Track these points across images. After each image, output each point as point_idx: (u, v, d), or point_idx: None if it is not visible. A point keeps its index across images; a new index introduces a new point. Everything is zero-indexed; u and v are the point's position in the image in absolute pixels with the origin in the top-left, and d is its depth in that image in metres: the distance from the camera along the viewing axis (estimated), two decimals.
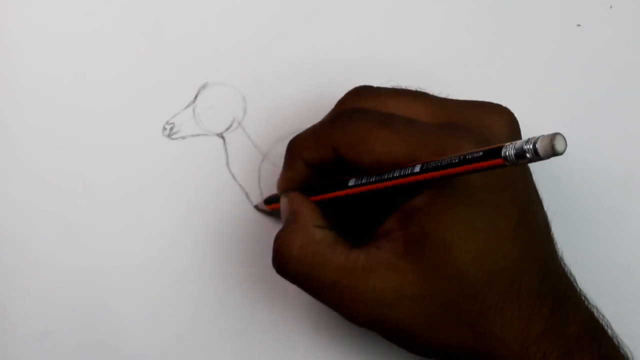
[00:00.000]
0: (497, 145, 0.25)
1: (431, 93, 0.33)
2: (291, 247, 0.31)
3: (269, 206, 0.37)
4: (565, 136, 0.23)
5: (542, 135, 0.24)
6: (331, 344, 0.39)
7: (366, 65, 0.39)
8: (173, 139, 0.38)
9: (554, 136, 0.23)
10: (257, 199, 0.38)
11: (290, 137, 0.33)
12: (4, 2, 0.38)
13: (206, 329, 0.39)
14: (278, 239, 0.32)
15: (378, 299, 0.30)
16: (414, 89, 0.33)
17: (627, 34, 0.39)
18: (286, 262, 0.31)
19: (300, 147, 0.32)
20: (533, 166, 0.39)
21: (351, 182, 0.31)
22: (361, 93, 0.33)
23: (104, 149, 0.38)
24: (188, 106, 0.38)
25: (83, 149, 0.38)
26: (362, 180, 0.31)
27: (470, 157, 0.26)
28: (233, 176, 0.38)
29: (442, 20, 0.39)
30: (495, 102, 0.32)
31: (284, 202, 0.34)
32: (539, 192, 0.33)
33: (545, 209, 0.33)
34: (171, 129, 0.38)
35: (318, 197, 0.33)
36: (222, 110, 0.38)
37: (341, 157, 0.31)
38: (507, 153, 0.25)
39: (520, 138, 0.31)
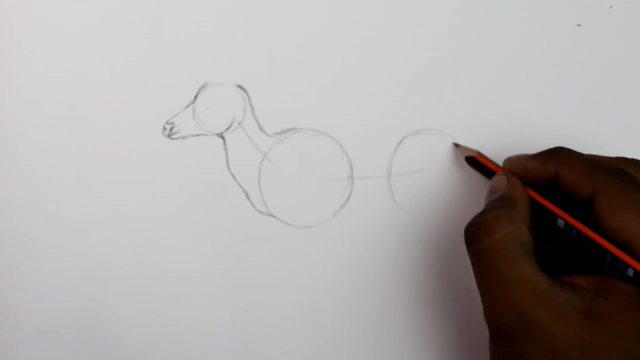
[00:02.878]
0: None
1: None
2: (497, 229, 0.31)
3: (479, 157, 0.36)
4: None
5: None
6: (332, 345, 0.39)
7: (366, 65, 0.39)
8: (173, 139, 0.38)
9: None
10: (257, 199, 0.38)
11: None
12: (4, 2, 0.38)
13: (206, 328, 0.39)
14: (486, 214, 0.32)
15: (531, 325, 0.30)
16: None
17: (627, 34, 0.39)
18: (482, 238, 0.31)
19: (566, 160, 0.32)
20: None
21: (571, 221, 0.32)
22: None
23: (104, 149, 0.38)
24: (188, 106, 0.38)
25: (83, 148, 0.38)
26: (591, 234, 0.31)
27: None
28: (233, 176, 0.38)
29: (442, 20, 0.39)
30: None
31: (501, 180, 0.33)
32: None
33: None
34: (171, 129, 0.38)
35: (540, 199, 0.33)
36: (222, 110, 0.38)
37: (593, 205, 0.31)
38: None
39: None
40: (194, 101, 0.38)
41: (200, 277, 0.39)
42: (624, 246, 0.30)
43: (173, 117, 0.38)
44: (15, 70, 0.38)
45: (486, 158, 0.37)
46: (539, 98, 0.39)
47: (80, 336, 0.38)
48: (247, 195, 0.38)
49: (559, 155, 0.33)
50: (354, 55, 0.38)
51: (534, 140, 0.39)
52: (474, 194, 0.39)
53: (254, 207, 0.39)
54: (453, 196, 0.39)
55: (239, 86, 0.38)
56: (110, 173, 0.38)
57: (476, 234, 0.31)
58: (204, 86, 0.38)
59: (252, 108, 0.38)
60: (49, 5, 0.37)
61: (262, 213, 0.39)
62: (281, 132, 0.38)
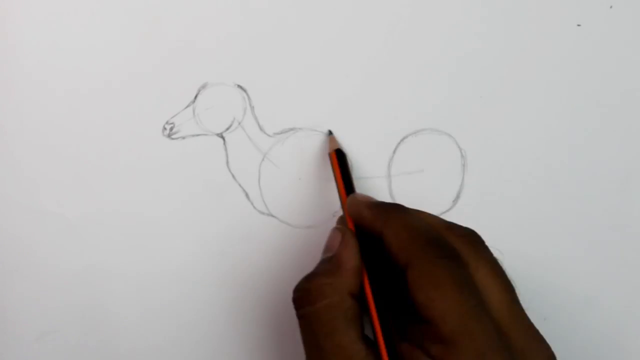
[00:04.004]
0: None
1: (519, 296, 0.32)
2: (319, 299, 0.31)
3: (333, 155, 0.36)
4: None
5: None
6: None
7: (366, 65, 0.39)
8: (173, 139, 0.38)
9: None
10: (257, 199, 0.38)
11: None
12: (4, 2, 0.38)
13: (206, 329, 0.39)
14: (311, 281, 0.32)
15: None
16: (508, 278, 0.32)
17: (627, 34, 0.39)
18: (304, 306, 0.32)
19: (393, 224, 0.32)
20: (534, 167, 0.39)
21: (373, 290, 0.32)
22: (471, 241, 0.32)
23: (104, 149, 0.38)
24: (188, 106, 0.38)
25: (83, 148, 0.38)
26: (379, 309, 0.31)
27: None
28: (233, 176, 0.38)
29: (442, 20, 0.39)
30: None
31: (336, 236, 0.33)
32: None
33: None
34: (171, 129, 0.38)
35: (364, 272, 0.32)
36: (222, 110, 0.38)
37: (405, 274, 0.30)
38: None
39: None
40: (194, 101, 0.38)
41: (200, 277, 0.38)
42: (426, 324, 0.29)
43: (173, 117, 0.38)
44: (15, 70, 0.38)
45: (345, 163, 0.36)
46: (539, 98, 0.39)
47: (80, 337, 0.38)
48: (247, 195, 0.38)
49: (389, 215, 0.32)
50: (354, 55, 0.38)
51: (534, 140, 0.39)
52: (474, 194, 0.39)
53: (254, 207, 0.38)
54: (453, 196, 0.39)
55: (239, 86, 0.38)
56: (110, 173, 0.38)
57: (299, 300, 0.32)
58: (204, 86, 0.38)
59: (252, 108, 0.38)
60: (49, 5, 0.37)
61: (262, 213, 0.39)
62: (281, 132, 0.38)
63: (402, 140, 0.39)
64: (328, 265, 0.32)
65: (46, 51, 0.38)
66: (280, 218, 0.39)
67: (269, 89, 0.38)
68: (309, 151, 0.38)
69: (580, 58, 0.39)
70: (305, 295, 0.32)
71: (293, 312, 0.38)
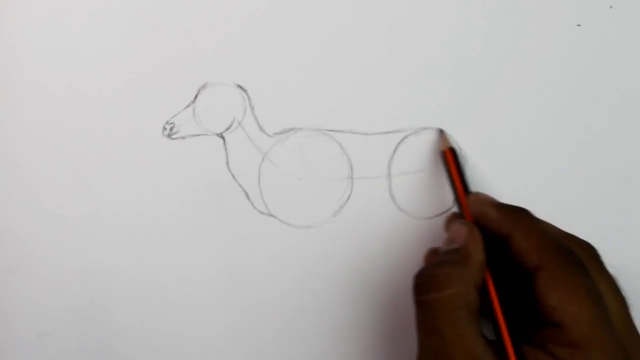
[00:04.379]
0: None
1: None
2: (446, 286, 0.31)
3: (448, 153, 0.36)
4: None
5: None
6: (332, 344, 0.39)
7: (366, 65, 0.39)
8: (173, 139, 0.38)
9: None
10: (257, 199, 0.38)
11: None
12: (4, 2, 0.38)
13: (206, 329, 0.39)
14: (439, 268, 0.32)
15: None
16: (624, 294, 0.33)
17: (627, 34, 0.39)
18: (429, 292, 0.32)
19: (523, 227, 0.32)
20: (534, 167, 0.39)
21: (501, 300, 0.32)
22: (591, 255, 0.33)
23: (103, 149, 0.38)
24: (188, 106, 0.38)
25: (83, 148, 0.38)
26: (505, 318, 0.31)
27: None
28: (233, 176, 0.38)
29: (442, 20, 0.39)
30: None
31: (462, 230, 0.33)
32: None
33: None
34: (171, 129, 0.38)
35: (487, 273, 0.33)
36: (222, 110, 0.38)
37: (535, 279, 0.31)
38: None
39: None
40: (194, 101, 0.38)
41: (200, 277, 0.38)
42: (555, 327, 0.30)
43: (173, 117, 0.38)
44: (15, 70, 0.38)
45: (459, 162, 0.37)
46: (539, 98, 0.39)
47: (79, 337, 0.38)
48: (247, 195, 0.38)
49: (518, 218, 0.33)
50: (354, 55, 0.38)
51: (534, 140, 0.39)
52: None
53: (254, 207, 0.38)
54: (453, 196, 0.39)
55: (239, 86, 0.38)
56: (110, 173, 0.38)
57: (424, 286, 0.32)
58: (204, 86, 0.38)
59: (252, 108, 0.38)
60: (49, 5, 0.37)
61: (262, 213, 0.39)
62: (281, 132, 0.38)
63: (402, 140, 0.39)
64: (455, 256, 0.33)
65: (46, 52, 0.38)
66: (280, 218, 0.39)
67: (269, 89, 0.38)
68: (309, 151, 0.38)
69: (580, 58, 0.39)
70: (432, 282, 0.32)
71: (293, 312, 0.38)
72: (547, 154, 0.39)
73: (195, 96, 0.38)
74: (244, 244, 0.38)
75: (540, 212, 0.39)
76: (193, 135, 0.38)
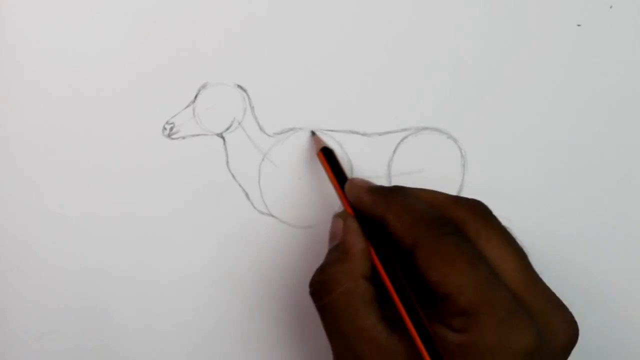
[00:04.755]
0: None
1: (530, 260, 0.33)
2: (335, 287, 0.32)
3: (321, 155, 0.36)
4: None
5: None
6: None
7: (366, 65, 0.39)
8: (173, 139, 0.38)
9: None
10: (257, 199, 0.38)
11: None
12: (4, 2, 0.38)
13: (206, 330, 0.39)
14: (324, 272, 0.32)
15: None
16: (519, 245, 0.33)
17: (627, 34, 0.39)
18: (323, 296, 0.32)
19: (394, 208, 0.32)
20: (535, 167, 0.39)
21: (395, 270, 0.32)
22: (477, 212, 0.33)
23: (103, 149, 0.38)
24: (188, 106, 0.38)
25: (83, 148, 0.38)
26: (398, 287, 0.31)
27: None
28: (233, 176, 0.38)
29: (442, 20, 0.39)
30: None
31: (339, 224, 0.34)
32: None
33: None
34: (171, 129, 0.38)
35: (369, 246, 0.33)
36: (222, 110, 0.38)
37: (414, 255, 0.31)
38: None
39: (568, 356, 0.32)
40: (194, 101, 0.38)
41: (199, 277, 0.38)
42: (445, 300, 0.30)
43: (173, 117, 0.38)
44: (15, 70, 0.38)
45: (335, 159, 0.36)
46: (539, 98, 0.39)
47: (79, 337, 0.38)
48: (247, 195, 0.38)
49: (389, 199, 0.33)
50: (354, 55, 0.38)
51: (534, 140, 0.39)
52: (474, 194, 0.39)
53: (254, 207, 0.38)
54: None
55: (239, 86, 0.38)
56: (110, 173, 0.38)
57: (317, 292, 0.32)
58: (204, 86, 0.38)
59: (252, 108, 0.38)
60: (49, 5, 0.37)
61: (262, 213, 0.39)
62: (281, 132, 0.38)
63: (402, 140, 0.39)
64: (336, 253, 0.33)
65: (46, 52, 0.38)
66: (280, 218, 0.39)
67: (269, 89, 0.38)
68: (309, 151, 0.38)
69: (580, 58, 0.39)
70: (321, 287, 0.32)
71: (294, 311, 0.38)
72: (547, 153, 0.39)
73: (195, 96, 0.38)
74: (244, 244, 0.38)
75: (540, 211, 0.39)
76: (193, 135, 0.38)
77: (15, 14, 0.38)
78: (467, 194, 0.39)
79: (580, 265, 0.39)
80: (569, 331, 0.31)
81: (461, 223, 0.32)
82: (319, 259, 0.38)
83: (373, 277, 0.32)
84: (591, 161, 0.39)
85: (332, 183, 0.36)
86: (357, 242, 0.33)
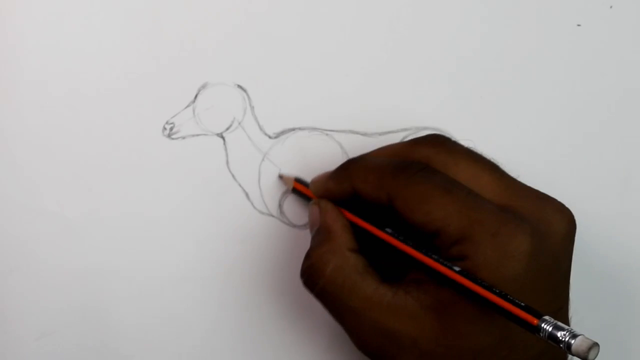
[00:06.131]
0: (539, 312, 0.26)
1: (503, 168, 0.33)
2: (325, 267, 0.32)
3: (297, 185, 0.37)
4: (600, 347, 0.24)
5: (583, 337, 0.25)
6: (332, 344, 0.39)
7: (366, 65, 0.39)
8: (173, 139, 0.38)
9: (592, 345, 0.24)
10: (257, 199, 0.38)
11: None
12: (4, 2, 0.38)
13: (206, 330, 0.39)
14: (311, 256, 0.33)
15: (392, 338, 0.30)
16: (488, 158, 0.33)
17: (627, 34, 0.39)
18: (317, 281, 0.32)
19: (357, 174, 0.33)
20: (535, 167, 0.39)
21: (389, 230, 0.32)
22: (437, 144, 0.33)
23: (103, 149, 0.38)
24: (188, 106, 0.38)
25: (83, 148, 0.38)
26: (400, 238, 0.32)
27: (511, 299, 0.27)
28: (233, 176, 0.38)
29: (442, 20, 0.39)
30: (557, 198, 0.32)
31: (315, 210, 0.34)
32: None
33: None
34: (171, 129, 0.38)
35: (352, 217, 0.33)
36: (222, 110, 0.38)
37: (393, 207, 0.31)
38: (544, 326, 0.26)
39: (573, 242, 0.32)
40: (194, 101, 0.38)
41: (199, 277, 0.38)
42: (437, 236, 0.30)
43: (173, 117, 0.38)
44: (15, 70, 0.38)
45: (304, 185, 0.37)
46: (539, 98, 0.39)
47: (79, 337, 0.38)
48: (247, 195, 0.38)
49: (349, 170, 0.33)
50: (354, 55, 0.38)
51: (534, 140, 0.39)
52: None
53: (254, 207, 0.38)
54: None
55: (239, 86, 0.38)
56: (110, 173, 0.38)
57: (310, 279, 0.33)
58: (204, 86, 0.38)
59: (252, 108, 0.38)
60: (49, 5, 0.37)
61: (262, 213, 0.39)
62: (281, 132, 0.38)
63: (402, 140, 0.39)
64: (318, 236, 0.33)
65: (46, 51, 0.38)
66: (280, 218, 0.39)
67: (269, 89, 0.38)
68: (309, 151, 0.38)
69: (580, 58, 0.39)
70: (312, 272, 0.32)
71: (294, 311, 0.38)
72: (547, 153, 0.39)
73: (195, 96, 0.38)
74: (243, 244, 0.38)
75: None
76: (193, 135, 0.38)
77: (15, 13, 0.38)
78: None
79: (580, 265, 0.39)
80: (564, 218, 0.31)
81: (426, 160, 0.32)
82: None
83: (361, 250, 0.32)
84: (591, 161, 0.39)
85: (307, 197, 0.36)
86: (336, 220, 0.33)
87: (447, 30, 0.39)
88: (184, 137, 0.38)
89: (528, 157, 0.39)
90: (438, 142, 0.33)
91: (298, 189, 0.37)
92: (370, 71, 0.39)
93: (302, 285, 0.33)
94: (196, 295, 0.38)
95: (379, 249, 0.33)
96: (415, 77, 0.39)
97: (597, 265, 0.39)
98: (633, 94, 0.39)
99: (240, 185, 0.38)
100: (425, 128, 0.39)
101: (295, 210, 0.39)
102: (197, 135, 0.38)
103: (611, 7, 0.39)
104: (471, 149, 0.33)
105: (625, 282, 0.40)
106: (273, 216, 0.39)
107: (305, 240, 0.38)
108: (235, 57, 0.38)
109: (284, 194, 0.38)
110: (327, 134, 0.39)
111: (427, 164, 0.32)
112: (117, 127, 0.38)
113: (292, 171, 0.38)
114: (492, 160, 0.33)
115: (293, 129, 0.38)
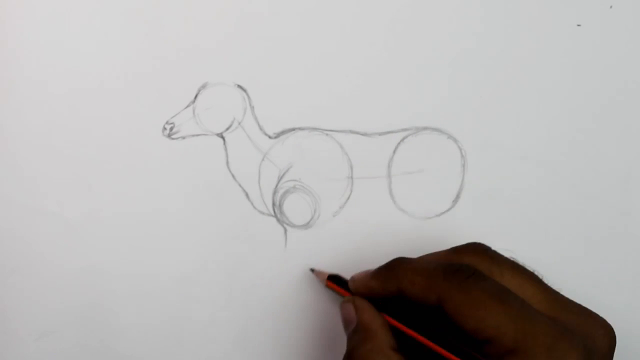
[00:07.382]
0: None
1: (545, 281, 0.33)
2: None
3: (330, 283, 0.36)
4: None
5: None
6: (332, 344, 0.39)
7: (366, 65, 0.39)
8: (173, 139, 0.38)
9: None
10: (257, 199, 0.38)
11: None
12: (4, 2, 0.38)
13: (206, 330, 0.39)
14: (353, 356, 0.32)
15: None
16: (530, 270, 0.33)
17: (627, 34, 0.39)
18: None
19: (405, 275, 0.32)
20: (534, 167, 0.39)
21: (430, 333, 0.32)
22: (480, 252, 0.33)
23: (104, 149, 0.38)
24: (188, 106, 0.38)
25: (83, 148, 0.38)
26: (444, 345, 0.31)
27: None
28: (233, 176, 0.38)
29: (442, 20, 0.39)
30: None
31: (349, 307, 0.34)
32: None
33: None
34: (171, 129, 0.38)
35: (392, 321, 0.33)
36: (222, 110, 0.38)
37: (444, 311, 0.31)
38: None
39: (612, 357, 0.32)
40: (194, 101, 0.38)
41: (200, 277, 0.38)
42: (488, 344, 0.30)
43: (173, 117, 0.38)
44: (15, 70, 0.38)
45: (339, 280, 0.36)
46: (539, 98, 0.39)
47: (80, 337, 0.38)
48: (247, 195, 0.38)
49: (396, 271, 0.33)
50: (354, 55, 0.39)
51: (534, 140, 0.39)
52: (474, 194, 0.39)
53: (254, 207, 0.39)
54: (453, 196, 0.39)
55: (239, 86, 0.38)
56: (110, 173, 0.38)
57: None
58: (204, 86, 0.38)
59: (252, 108, 0.38)
60: (49, 5, 0.38)
61: (262, 213, 0.39)
62: (281, 132, 0.38)
63: (402, 140, 0.39)
64: (356, 335, 0.33)
65: (46, 51, 0.38)
66: (280, 218, 0.39)
67: (269, 89, 0.38)
68: (309, 151, 0.38)
69: (580, 58, 0.39)
70: None
71: (294, 312, 0.38)
72: (547, 153, 0.39)
73: (195, 96, 0.38)
74: (244, 244, 0.38)
75: (540, 211, 0.39)
76: (193, 135, 0.38)
77: (15, 13, 0.38)
78: (467, 193, 0.39)
79: (580, 265, 0.39)
80: (606, 334, 0.31)
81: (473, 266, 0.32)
82: (319, 260, 0.38)
83: (400, 349, 0.32)
84: (591, 160, 0.39)
85: (341, 294, 0.36)
86: (375, 318, 0.33)
87: (446, 30, 0.39)
88: (184, 137, 0.38)
89: (528, 157, 0.39)
90: (480, 251, 0.33)
91: (331, 287, 0.37)
92: (370, 71, 0.39)
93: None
94: (196, 295, 0.38)
95: (417, 349, 0.32)
96: (415, 77, 0.39)
97: (597, 265, 0.39)
98: (633, 94, 0.39)
99: (240, 185, 0.38)
100: (425, 128, 0.39)
101: (295, 210, 0.39)
102: (197, 135, 0.38)
103: (611, 7, 0.39)
104: (513, 259, 0.33)
105: (626, 283, 0.40)
106: (273, 216, 0.39)
107: (305, 240, 0.38)
108: (235, 57, 0.38)
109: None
110: (327, 134, 0.39)
111: (477, 269, 0.31)
112: (117, 126, 0.38)
113: (292, 171, 0.38)
114: (534, 271, 0.33)
115: (293, 129, 0.38)
